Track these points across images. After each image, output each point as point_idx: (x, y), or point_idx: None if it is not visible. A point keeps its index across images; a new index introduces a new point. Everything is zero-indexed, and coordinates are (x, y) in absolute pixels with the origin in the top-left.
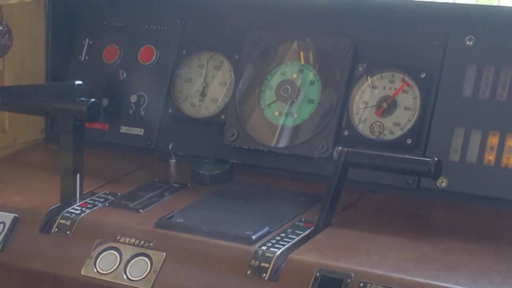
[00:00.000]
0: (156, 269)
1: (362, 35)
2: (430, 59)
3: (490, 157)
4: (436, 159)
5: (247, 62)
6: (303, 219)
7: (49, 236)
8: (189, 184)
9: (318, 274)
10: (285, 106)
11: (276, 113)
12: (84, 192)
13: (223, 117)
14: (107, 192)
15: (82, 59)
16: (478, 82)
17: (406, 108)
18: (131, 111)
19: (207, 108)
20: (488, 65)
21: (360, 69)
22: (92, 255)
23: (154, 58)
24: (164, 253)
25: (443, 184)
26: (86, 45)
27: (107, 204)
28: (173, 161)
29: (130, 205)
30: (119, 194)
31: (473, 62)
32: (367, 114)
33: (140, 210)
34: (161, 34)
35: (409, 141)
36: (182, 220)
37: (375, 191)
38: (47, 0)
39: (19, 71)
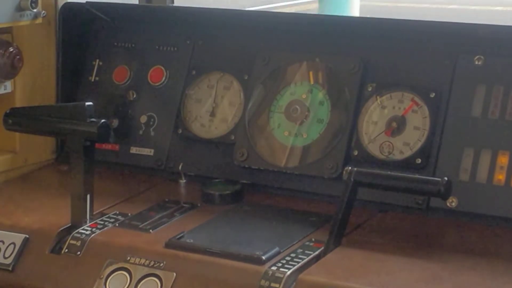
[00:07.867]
0: None
1: (371, 55)
2: (439, 79)
3: (500, 176)
4: (446, 179)
5: (256, 82)
6: (313, 239)
7: (60, 257)
8: (199, 205)
9: None
10: (295, 126)
11: (286, 133)
12: (94, 213)
13: (233, 137)
14: (117, 212)
15: (92, 80)
16: (488, 101)
17: (416, 128)
18: (141, 132)
19: (217, 128)
20: (497, 84)
21: (370, 89)
22: (102, 276)
23: (164, 78)
24: (175, 274)
25: (453, 204)
26: (96, 66)
27: (117, 224)
28: (183, 181)
29: (140, 226)
30: (129, 214)
31: (483, 82)
32: (376, 134)
33: (150, 231)
34: (170, 54)
35: (418, 161)
36: (192, 241)
37: (384, 211)
38: (58, 22)
39: (30, 92)
